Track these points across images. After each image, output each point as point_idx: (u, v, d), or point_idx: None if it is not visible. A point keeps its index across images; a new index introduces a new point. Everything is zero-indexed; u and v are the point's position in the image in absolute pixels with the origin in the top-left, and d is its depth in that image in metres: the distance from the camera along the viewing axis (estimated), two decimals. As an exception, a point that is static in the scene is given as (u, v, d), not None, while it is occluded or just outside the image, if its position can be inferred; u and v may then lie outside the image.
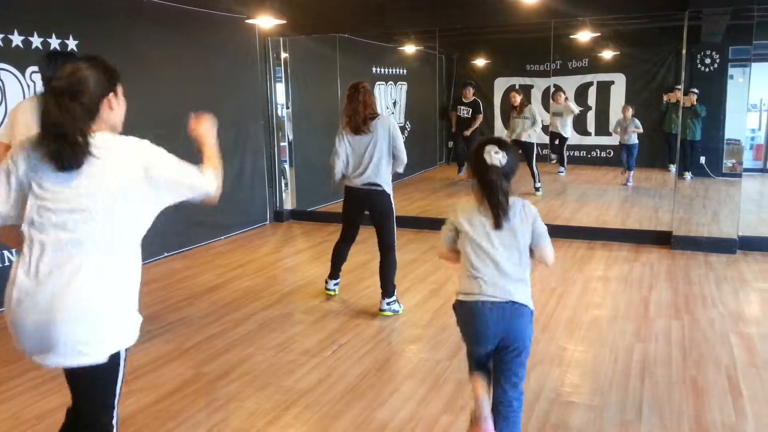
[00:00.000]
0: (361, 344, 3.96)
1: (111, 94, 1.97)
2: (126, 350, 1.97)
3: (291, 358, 3.78)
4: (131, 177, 1.90)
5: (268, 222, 7.74)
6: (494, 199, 2.31)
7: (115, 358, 1.90)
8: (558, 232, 6.79)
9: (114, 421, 2.02)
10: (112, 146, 1.91)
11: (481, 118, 9.92)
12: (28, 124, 3.63)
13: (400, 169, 4.58)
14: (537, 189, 8.99)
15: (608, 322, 4.27)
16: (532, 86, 10.98)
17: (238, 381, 3.47)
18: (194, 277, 5.52)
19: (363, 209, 4.61)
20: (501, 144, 2.36)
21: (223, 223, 6.94)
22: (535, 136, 9.04)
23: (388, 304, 4.54)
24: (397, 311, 4.54)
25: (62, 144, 1.82)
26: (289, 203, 8.00)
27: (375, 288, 5.04)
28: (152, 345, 3.99)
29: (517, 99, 9.02)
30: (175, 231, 6.21)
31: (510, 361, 2.37)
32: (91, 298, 1.83)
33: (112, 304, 1.88)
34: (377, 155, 4.40)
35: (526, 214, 2.38)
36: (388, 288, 4.54)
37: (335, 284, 4.91)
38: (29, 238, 1.86)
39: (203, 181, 2.08)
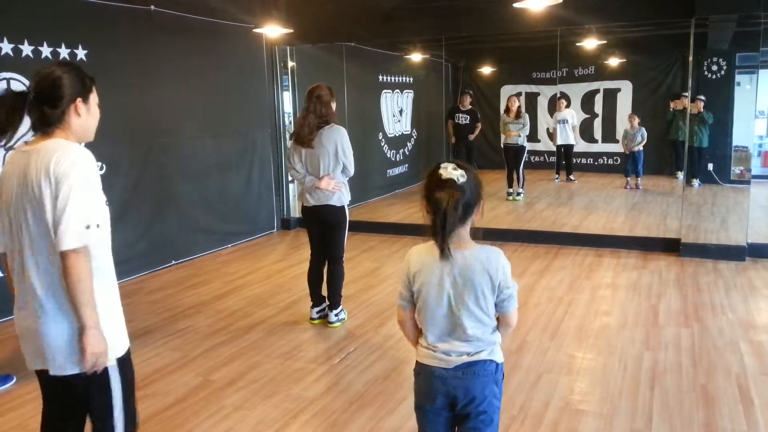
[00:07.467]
0: (369, 352, 3.96)
1: (79, 100, 1.92)
2: None
3: (299, 366, 3.77)
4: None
5: (275, 230, 7.75)
6: (444, 223, 1.73)
7: None
8: (566, 239, 6.79)
9: None
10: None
11: (480, 125, 9.91)
12: None
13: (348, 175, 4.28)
14: (519, 194, 9.10)
15: (617, 330, 4.24)
16: (538, 94, 10.98)
17: (246, 389, 3.47)
18: (201, 285, 5.53)
19: (320, 222, 4.36)
20: (462, 166, 1.82)
21: (231, 231, 6.96)
22: (525, 140, 9.17)
23: (336, 315, 4.43)
24: (344, 319, 4.48)
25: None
26: (296, 211, 8.00)
27: (383, 296, 5.04)
28: (160, 353, 4.00)
29: (516, 104, 9.13)
30: (181, 239, 6.25)
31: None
32: None
33: None
34: (323, 171, 4.13)
35: (491, 265, 1.85)
36: (335, 299, 4.41)
37: (318, 312, 4.48)
38: None
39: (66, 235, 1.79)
